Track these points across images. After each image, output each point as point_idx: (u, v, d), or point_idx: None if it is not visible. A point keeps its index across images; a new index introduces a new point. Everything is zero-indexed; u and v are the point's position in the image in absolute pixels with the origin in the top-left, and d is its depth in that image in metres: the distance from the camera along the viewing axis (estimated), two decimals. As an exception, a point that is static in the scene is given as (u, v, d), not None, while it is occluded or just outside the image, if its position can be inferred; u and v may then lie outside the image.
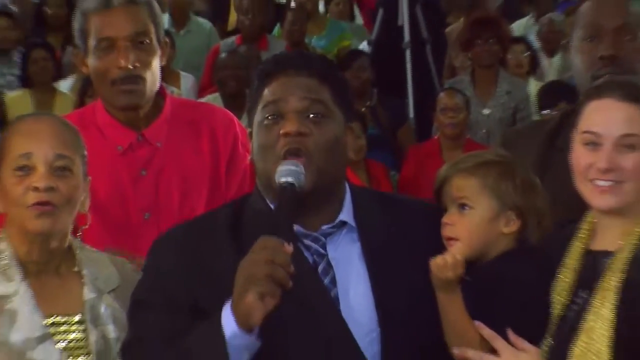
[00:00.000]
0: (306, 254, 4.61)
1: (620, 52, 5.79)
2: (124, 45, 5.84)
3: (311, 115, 4.59)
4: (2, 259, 4.79)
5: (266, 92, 4.66)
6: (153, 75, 5.90)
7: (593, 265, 4.66)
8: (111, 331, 4.86)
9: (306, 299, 4.51)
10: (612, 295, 4.49)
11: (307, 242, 4.62)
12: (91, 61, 5.97)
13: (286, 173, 4.43)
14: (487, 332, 4.51)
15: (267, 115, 4.60)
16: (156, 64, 5.96)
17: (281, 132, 4.51)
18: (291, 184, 4.41)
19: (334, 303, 4.63)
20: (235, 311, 4.20)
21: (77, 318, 4.83)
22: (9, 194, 4.75)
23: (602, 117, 4.63)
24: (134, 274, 4.93)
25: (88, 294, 4.84)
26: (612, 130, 4.55)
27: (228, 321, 4.24)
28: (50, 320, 4.75)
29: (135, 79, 5.87)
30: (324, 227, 4.66)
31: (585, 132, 4.59)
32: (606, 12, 5.83)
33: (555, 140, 5.18)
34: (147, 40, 5.93)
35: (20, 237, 4.81)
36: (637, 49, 5.80)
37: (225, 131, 6.03)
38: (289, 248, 4.16)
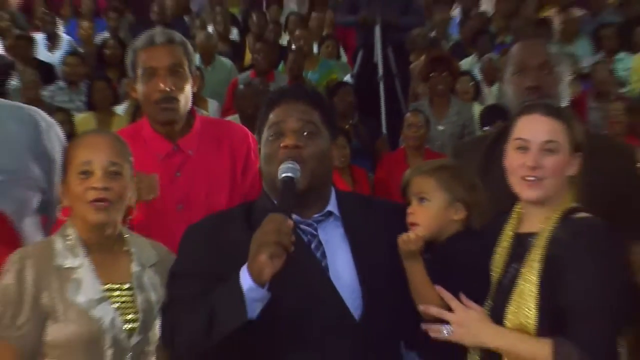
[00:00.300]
0: (302, 235, 4.82)
1: (542, 84, 5.93)
2: (163, 74, 6.06)
3: (305, 133, 4.80)
4: (69, 240, 4.96)
5: (271, 115, 4.88)
6: (186, 98, 6.13)
7: (521, 244, 4.82)
8: (152, 296, 4.98)
9: (303, 268, 4.69)
10: (536, 266, 4.68)
11: (303, 226, 4.84)
12: (139, 86, 6.19)
13: (286, 170, 4.65)
14: (445, 294, 4.68)
15: (271, 133, 4.82)
16: (188, 89, 6.20)
17: (282, 145, 4.73)
18: (290, 178, 4.64)
19: (324, 271, 4.83)
20: (250, 269, 4.40)
21: (126, 285, 4.99)
22: (73, 192, 4.91)
23: (530, 127, 4.85)
24: (167, 254, 5.12)
25: (135, 267, 5.03)
26: (538, 137, 4.78)
27: (245, 278, 4.43)
28: (107, 286, 4.92)
29: (171, 100, 6.08)
30: (315, 216, 4.90)
31: (517, 139, 4.83)
32: (530, 52, 6.02)
33: (493, 150, 5.34)
34: (181, 70, 6.14)
35: (83, 226, 4.94)
36: (555, 81, 5.96)
37: (241, 143, 6.24)
38: (291, 222, 4.39)
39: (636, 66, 15.62)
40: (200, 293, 4.68)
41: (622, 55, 16.27)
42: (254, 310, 4.47)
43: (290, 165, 4.67)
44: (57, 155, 5.87)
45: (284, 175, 4.69)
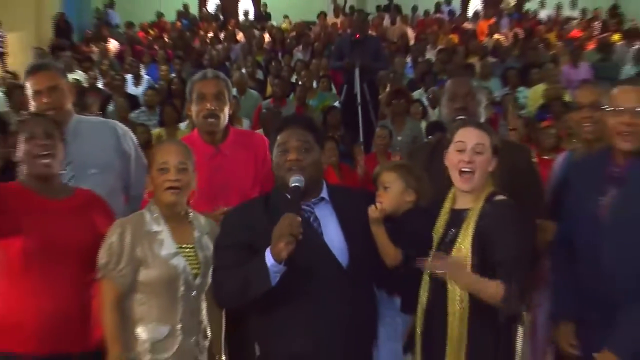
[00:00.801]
0: (305, 213, 4.79)
1: (467, 107, 5.89)
2: (210, 98, 6.12)
3: (303, 150, 4.82)
4: (154, 213, 5.01)
5: (279, 137, 4.90)
6: (224, 116, 6.19)
7: (457, 216, 4.82)
8: (207, 253, 5.04)
9: (307, 235, 4.58)
10: (470, 231, 4.71)
11: (305, 207, 4.81)
12: (193, 107, 6.23)
13: (295, 181, 4.69)
14: (438, 259, 4.72)
15: (280, 150, 4.87)
16: (226, 111, 6.24)
17: (287, 159, 4.80)
18: (298, 187, 4.69)
19: (320, 236, 4.83)
20: (272, 252, 4.48)
21: (191, 245, 5.06)
22: (155, 182, 5.02)
23: (466, 135, 4.83)
24: (215, 226, 5.17)
25: (196, 233, 5.11)
26: (471, 140, 4.76)
27: (269, 258, 4.50)
28: (179, 245, 4.99)
29: (214, 116, 6.12)
30: (313, 200, 4.91)
31: (457, 142, 4.82)
32: (459, 85, 6.10)
33: (434, 153, 5.38)
34: (222, 97, 6.19)
35: (162, 205, 5.00)
36: (476, 105, 5.92)
37: (261, 147, 6.18)
38: (299, 219, 4.46)
39: (531, 96, 16.06)
40: (235, 262, 4.75)
41: (521, 88, 16.54)
42: (275, 279, 4.56)
43: (298, 177, 4.73)
44: (132, 152, 6.34)
45: (293, 185, 4.72)
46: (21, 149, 5.05)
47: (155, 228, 4.97)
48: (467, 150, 4.75)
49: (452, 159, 4.82)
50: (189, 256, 4.99)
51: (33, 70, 6.28)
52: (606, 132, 4.95)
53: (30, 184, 5.08)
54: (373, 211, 4.78)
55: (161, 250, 4.91)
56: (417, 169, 5.04)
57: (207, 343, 5.11)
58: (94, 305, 4.99)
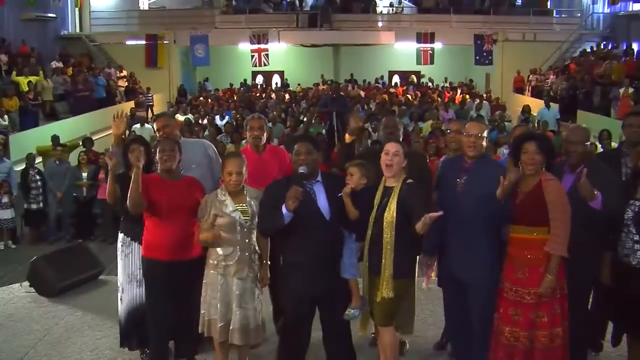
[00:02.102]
0: (307, 188, 4.69)
1: (393, 132, 5.59)
2: (255, 128, 5.83)
3: (307, 153, 4.73)
4: (223, 191, 4.91)
5: (295, 147, 4.81)
6: (264, 138, 5.88)
7: (387, 191, 4.68)
8: (255, 209, 4.88)
9: (306, 201, 4.61)
10: (395, 198, 4.61)
11: (308, 186, 4.71)
12: (247, 133, 5.97)
13: (302, 169, 4.67)
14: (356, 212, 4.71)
15: (295, 154, 4.77)
16: (265, 135, 5.95)
17: (299, 158, 4.73)
18: (303, 172, 4.68)
19: (315, 201, 4.73)
20: (285, 205, 4.50)
21: (245, 206, 4.89)
22: (225, 179, 4.89)
23: (389, 146, 4.75)
24: (259, 194, 4.94)
25: (247, 199, 4.93)
26: (392, 149, 4.71)
27: (284, 209, 4.51)
28: (237, 206, 4.86)
29: (258, 138, 5.83)
30: (312, 181, 4.76)
31: (385, 150, 4.76)
32: (389, 120, 5.74)
33: (376, 155, 4.91)
34: (262, 128, 5.91)
35: (228, 189, 4.93)
36: (397, 131, 5.64)
37: (284, 157, 5.92)
38: (301, 189, 4.51)
39: (425, 127, 15.64)
40: (269, 212, 4.71)
41: (420, 123, 16.27)
42: (287, 220, 4.57)
43: (304, 167, 4.69)
44: (214, 156, 6.00)
45: (300, 172, 4.70)
46: (158, 156, 5.13)
47: (223, 198, 4.86)
48: (390, 154, 4.72)
49: (383, 158, 4.76)
50: (242, 211, 4.84)
51: (155, 117, 6.54)
52: (462, 146, 4.93)
53: (162, 174, 5.16)
54: (345, 190, 4.68)
55: (227, 209, 4.82)
56: (368, 165, 4.89)
57: (256, 256, 4.95)
58: (195, 235, 4.94)
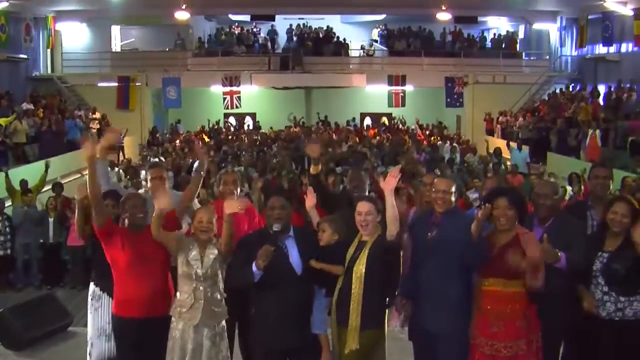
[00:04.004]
0: (280, 243, 4.67)
1: (358, 184, 5.79)
2: (230, 182, 5.70)
3: (282, 209, 4.78)
4: (192, 239, 4.90)
5: (269, 201, 4.87)
6: (238, 192, 5.77)
7: (360, 245, 4.74)
8: (212, 262, 4.85)
9: (278, 256, 4.60)
10: (366, 253, 4.66)
11: (280, 242, 4.67)
12: (220, 187, 5.76)
13: (276, 227, 4.67)
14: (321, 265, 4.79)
15: (268, 210, 4.82)
16: (238, 190, 5.81)
17: (274, 214, 4.74)
18: (277, 230, 4.67)
19: (287, 256, 4.73)
20: (256, 263, 4.50)
21: (204, 257, 4.86)
22: (194, 228, 4.89)
23: (360, 206, 4.80)
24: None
25: (210, 252, 4.92)
26: (364, 209, 4.74)
27: (254, 267, 4.52)
28: (201, 256, 4.85)
29: (233, 194, 5.66)
30: (285, 236, 4.75)
31: (358, 211, 4.78)
32: (354, 173, 5.78)
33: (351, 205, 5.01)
34: (239, 181, 5.83)
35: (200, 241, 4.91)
36: (363, 183, 5.83)
37: (253, 210, 5.89)
38: (272, 248, 4.51)
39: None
40: (240, 267, 4.66)
41: (390, 167, 16.09)
42: (256, 278, 4.57)
43: (277, 225, 4.66)
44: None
45: (274, 229, 4.67)
46: (127, 211, 5.04)
47: (191, 246, 4.83)
48: (363, 214, 4.76)
49: (357, 219, 4.79)
50: (203, 262, 4.81)
51: (150, 166, 6.15)
52: (432, 201, 4.98)
53: (130, 227, 5.04)
54: (312, 263, 4.69)
55: (189, 256, 4.80)
56: (339, 220, 4.97)
57: (220, 310, 4.91)
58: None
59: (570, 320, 4.87)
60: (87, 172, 5.12)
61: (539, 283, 4.44)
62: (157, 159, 17.72)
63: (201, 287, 4.80)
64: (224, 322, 4.97)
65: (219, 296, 4.91)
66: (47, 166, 13.56)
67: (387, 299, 4.95)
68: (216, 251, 4.87)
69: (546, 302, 4.53)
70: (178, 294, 4.86)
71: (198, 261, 4.81)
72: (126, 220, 5.09)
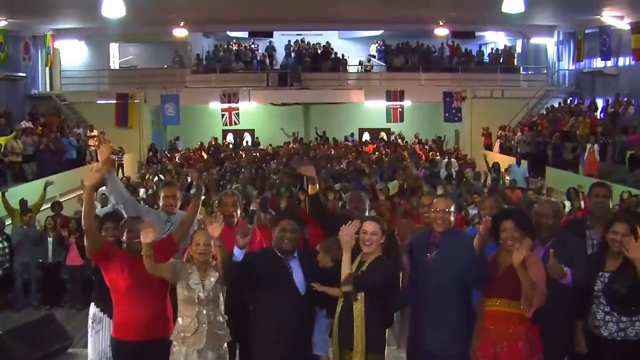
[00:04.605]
0: (285, 264, 4.76)
1: (358, 206, 5.82)
2: (229, 204, 5.75)
3: (293, 233, 4.90)
4: (190, 263, 4.92)
5: (281, 224, 4.96)
6: (238, 214, 5.84)
7: (362, 263, 4.77)
8: (213, 284, 4.87)
9: (282, 276, 4.70)
10: (364, 269, 4.65)
11: (286, 260, 4.76)
12: (221, 208, 5.76)
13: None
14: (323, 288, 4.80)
15: (279, 232, 4.89)
16: (238, 211, 5.86)
17: (285, 237, 4.86)
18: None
19: (291, 277, 4.78)
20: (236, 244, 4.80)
21: (205, 280, 4.87)
22: (192, 251, 4.92)
23: (367, 226, 4.85)
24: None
25: (210, 274, 4.93)
26: (369, 229, 4.81)
27: (235, 249, 4.78)
28: (201, 280, 4.86)
29: (232, 216, 5.73)
30: (290, 257, 4.81)
31: (363, 230, 4.83)
32: (354, 194, 5.80)
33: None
34: (239, 202, 5.85)
35: (194, 259, 4.93)
36: (363, 204, 5.84)
37: (255, 231, 5.74)
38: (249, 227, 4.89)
39: (392, 186, 15.16)
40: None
41: (389, 183, 16.08)
42: (239, 258, 4.78)
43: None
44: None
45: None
46: (126, 236, 5.02)
47: (190, 270, 4.82)
48: (368, 234, 4.80)
49: (361, 237, 4.80)
50: (204, 285, 4.82)
51: (164, 185, 6.27)
52: (431, 221, 4.99)
53: (129, 251, 5.01)
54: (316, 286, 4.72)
55: (190, 280, 4.80)
56: (334, 246, 4.95)
57: (222, 333, 4.90)
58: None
59: (571, 341, 4.87)
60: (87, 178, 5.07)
61: (528, 314, 4.43)
62: (157, 177, 17.67)
63: (204, 311, 4.78)
64: (225, 345, 4.96)
65: (221, 319, 4.90)
66: (46, 185, 13.51)
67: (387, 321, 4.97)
68: (217, 274, 4.87)
69: (547, 323, 4.52)
70: (180, 319, 4.83)
71: (199, 285, 4.79)
72: (125, 244, 5.09)
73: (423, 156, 23.24)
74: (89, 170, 5.06)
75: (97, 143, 23.12)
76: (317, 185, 5.81)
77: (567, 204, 12.32)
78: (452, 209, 4.89)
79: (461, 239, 4.86)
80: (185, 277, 4.81)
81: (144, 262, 4.77)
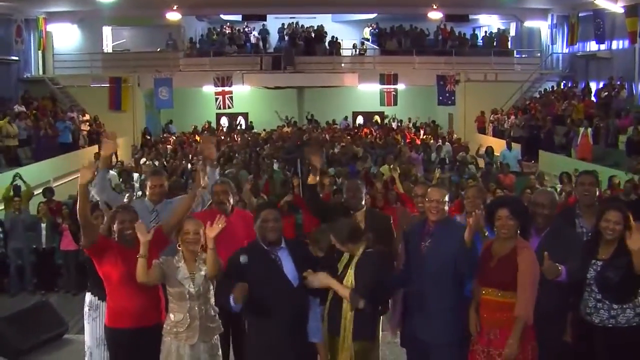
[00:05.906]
0: (273, 255, 4.68)
1: (354, 195, 5.73)
2: (220, 193, 5.71)
3: (276, 222, 4.76)
4: (178, 256, 4.87)
5: (262, 214, 4.77)
6: (230, 202, 5.79)
7: (350, 259, 4.77)
8: (203, 278, 4.82)
9: (272, 268, 4.63)
10: (354, 267, 4.70)
11: (274, 252, 4.67)
12: (212, 197, 5.78)
13: (243, 259, 4.68)
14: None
15: (261, 222, 4.75)
16: (231, 199, 5.81)
17: (268, 226, 4.72)
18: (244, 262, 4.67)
19: (281, 268, 4.69)
20: (233, 298, 4.53)
21: (194, 274, 4.82)
22: (182, 241, 4.87)
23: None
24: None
25: (199, 266, 4.87)
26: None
27: (231, 300, 4.54)
28: (190, 274, 4.82)
29: (224, 204, 5.71)
30: (277, 247, 4.72)
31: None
32: (350, 183, 5.75)
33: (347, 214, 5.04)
34: (231, 190, 5.80)
35: (183, 249, 4.88)
36: (359, 193, 5.71)
37: (251, 218, 5.47)
38: (247, 285, 4.51)
39: (384, 170, 14.71)
40: (225, 287, 4.63)
41: (383, 166, 15.99)
42: (235, 310, 4.62)
43: (244, 257, 4.67)
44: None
45: (241, 261, 4.66)
46: (117, 226, 5.00)
47: (178, 265, 4.78)
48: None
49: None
50: (193, 279, 4.77)
51: (151, 174, 6.18)
52: (425, 210, 4.99)
53: (120, 241, 4.99)
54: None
55: (179, 276, 4.75)
56: (323, 236, 5.00)
57: (214, 324, 4.91)
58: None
59: (563, 335, 4.94)
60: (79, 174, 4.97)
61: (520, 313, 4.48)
62: (150, 162, 17.58)
63: (195, 307, 4.77)
64: (217, 335, 4.97)
65: (212, 312, 4.90)
66: (14, 178, 13.50)
67: (380, 307, 4.97)
68: (205, 268, 4.82)
69: (542, 318, 4.55)
70: (172, 315, 4.80)
71: (189, 279, 4.76)
72: (116, 235, 5.06)
73: (418, 140, 23.20)
74: (81, 165, 4.99)
75: (89, 128, 23.08)
76: (317, 177, 5.81)
77: (559, 188, 12.31)
78: (446, 198, 4.87)
79: (455, 228, 4.85)
80: (173, 273, 4.77)
81: (137, 266, 4.71)
